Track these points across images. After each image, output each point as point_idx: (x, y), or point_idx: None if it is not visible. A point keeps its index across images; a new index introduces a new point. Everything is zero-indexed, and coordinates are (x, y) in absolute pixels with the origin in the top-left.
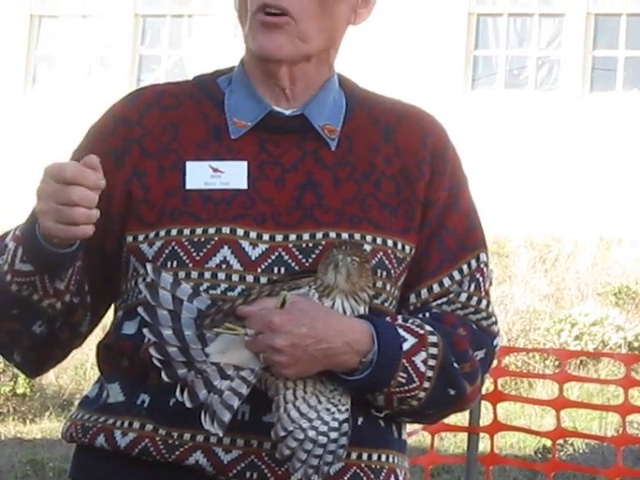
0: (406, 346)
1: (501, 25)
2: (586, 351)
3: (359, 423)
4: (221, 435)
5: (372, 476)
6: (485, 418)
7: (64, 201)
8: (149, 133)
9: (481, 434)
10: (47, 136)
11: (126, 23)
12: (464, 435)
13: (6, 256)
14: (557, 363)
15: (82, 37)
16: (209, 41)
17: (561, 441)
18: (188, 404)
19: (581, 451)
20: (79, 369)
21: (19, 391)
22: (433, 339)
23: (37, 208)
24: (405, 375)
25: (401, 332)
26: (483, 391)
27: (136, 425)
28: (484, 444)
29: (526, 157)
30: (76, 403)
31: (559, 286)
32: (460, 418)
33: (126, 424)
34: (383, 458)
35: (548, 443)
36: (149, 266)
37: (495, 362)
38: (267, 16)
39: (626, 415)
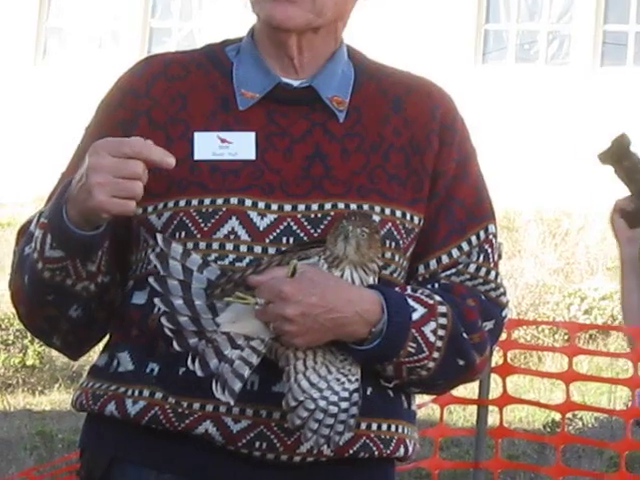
0: (415, 316)
1: None
2: (596, 324)
3: (368, 393)
4: (232, 404)
5: (382, 446)
6: (494, 391)
7: (126, 174)
8: (157, 104)
9: (490, 407)
10: (57, 108)
11: None
12: (473, 408)
13: (34, 244)
14: (566, 337)
15: (93, 9)
16: (220, 13)
17: (570, 415)
18: (199, 373)
19: (590, 425)
20: None
21: (28, 363)
22: (442, 309)
23: (91, 181)
24: (414, 345)
25: (410, 302)
26: (492, 364)
27: (146, 393)
28: (493, 417)
29: (536, 131)
30: (85, 375)
31: (569, 260)
32: (469, 391)
33: (136, 392)
34: (393, 428)
35: (557, 417)
36: (159, 236)
37: (504, 335)
38: None
39: (635, 389)
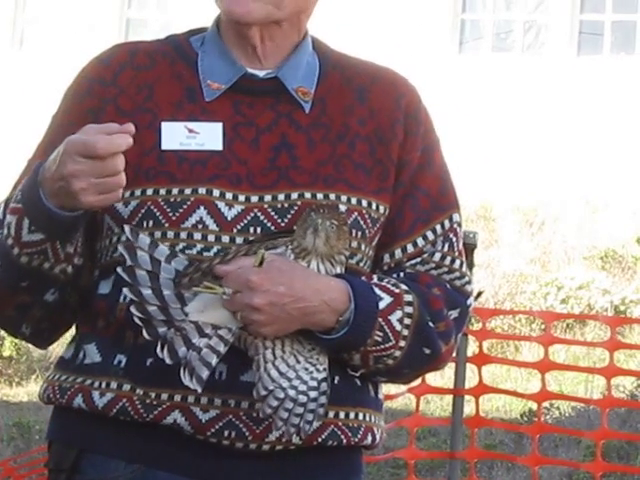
0: (382, 305)
1: None
2: (572, 314)
3: (335, 382)
4: (199, 391)
5: (349, 434)
6: (471, 381)
7: (107, 174)
8: (123, 92)
9: (466, 397)
10: (34, 98)
11: None
12: (449, 398)
13: (6, 231)
14: (543, 326)
15: (69, 0)
16: (196, 5)
17: (547, 404)
18: (168, 361)
19: (567, 414)
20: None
21: (5, 354)
22: (408, 298)
23: (74, 188)
24: (381, 334)
25: (377, 291)
26: (469, 353)
27: (113, 385)
28: (470, 407)
29: (513, 121)
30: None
31: (545, 250)
32: (446, 380)
33: (103, 384)
34: (360, 416)
35: (534, 406)
36: (126, 227)
37: (480, 324)
38: None
39: (611, 378)
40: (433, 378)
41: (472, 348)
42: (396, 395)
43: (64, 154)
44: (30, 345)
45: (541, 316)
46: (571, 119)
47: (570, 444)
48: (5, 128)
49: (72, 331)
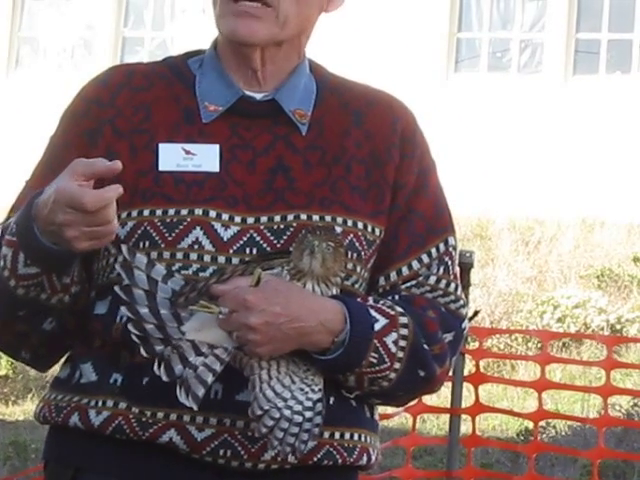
0: (377, 326)
1: (484, 7)
2: (568, 332)
3: (331, 403)
4: (195, 408)
5: (345, 454)
6: (467, 400)
7: (97, 224)
8: (121, 114)
9: (463, 416)
10: (30, 118)
11: (109, 4)
12: (446, 417)
13: (2, 262)
14: (539, 345)
15: (65, 19)
16: (192, 24)
17: (543, 423)
18: (164, 378)
19: (563, 433)
20: None
21: (1, 373)
22: (404, 320)
23: (67, 235)
24: (376, 355)
25: (373, 313)
26: (465, 373)
27: (109, 403)
28: (466, 426)
29: (509, 140)
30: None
31: (542, 269)
32: (442, 400)
33: (100, 403)
34: (355, 437)
35: (530, 425)
36: (124, 247)
37: (477, 344)
38: (240, 4)
39: (608, 397)
40: (429, 397)
41: (468, 367)
42: (392, 414)
43: (54, 203)
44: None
45: (537, 335)
46: (567, 138)
47: (567, 463)
48: (1, 147)
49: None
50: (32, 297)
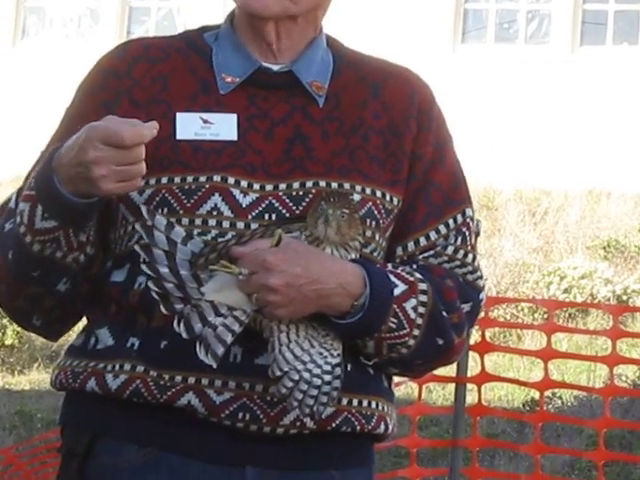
0: (397, 292)
1: None
2: (574, 302)
3: (348, 369)
4: (214, 366)
5: (363, 421)
6: (473, 370)
7: (130, 162)
8: (138, 84)
9: (469, 386)
10: (36, 88)
11: None
12: (452, 387)
13: (19, 219)
14: (546, 315)
15: None
16: None
17: (549, 393)
18: (184, 335)
19: (569, 403)
20: None
21: (7, 342)
22: (423, 287)
23: (95, 174)
24: (396, 321)
25: (392, 278)
26: (471, 342)
27: (127, 367)
28: (472, 396)
29: (516, 111)
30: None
31: (548, 239)
32: (448, 369)
33: (117, 367)
34: (373, 405)
35: (536, 395)
36: (143, 208)
37: (483, 313)
38: None
39: (614, 367)
40: None
41: (475, 336)
42: (398, 383)
43: (85, 140)
44: (32, 334)
45: (544, 304)
46: (574, 109)
47: (572, 433)
48: (8, 120)
49: (82, 322)
50: (47, 255)
